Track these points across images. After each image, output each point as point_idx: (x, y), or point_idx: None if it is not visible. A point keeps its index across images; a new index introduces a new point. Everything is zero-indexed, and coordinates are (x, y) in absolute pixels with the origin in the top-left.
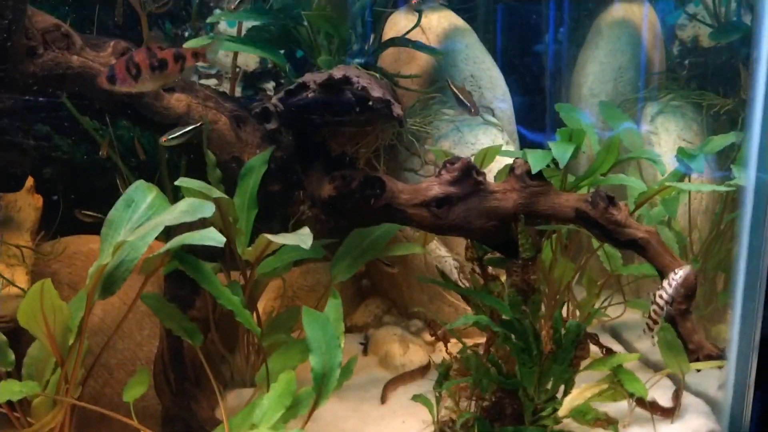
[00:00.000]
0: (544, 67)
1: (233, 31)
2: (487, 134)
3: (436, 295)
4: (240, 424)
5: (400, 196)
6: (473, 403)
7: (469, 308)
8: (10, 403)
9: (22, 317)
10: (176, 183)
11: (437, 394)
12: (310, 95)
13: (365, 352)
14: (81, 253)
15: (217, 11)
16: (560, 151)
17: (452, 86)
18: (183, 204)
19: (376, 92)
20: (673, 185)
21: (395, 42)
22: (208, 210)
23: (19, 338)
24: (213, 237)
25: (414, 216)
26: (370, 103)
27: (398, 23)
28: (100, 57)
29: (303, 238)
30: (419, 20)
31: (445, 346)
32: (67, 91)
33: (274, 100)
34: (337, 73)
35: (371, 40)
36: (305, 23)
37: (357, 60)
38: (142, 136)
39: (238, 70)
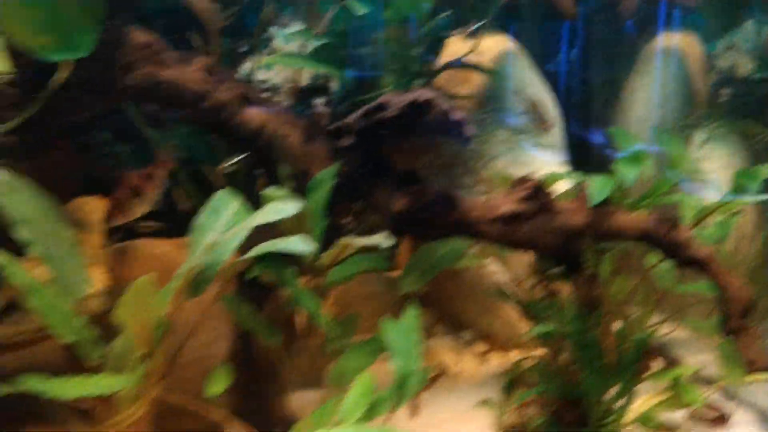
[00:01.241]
0: (591, 92)
1: (287, 48)
2: (540, 155)
3: (487, 308)
4: (318, 422)
5: (471, 211)
6: (534, 410)
7: (524, 321)
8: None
9: (122, 312)
10: (262, 192)
11: (502, 401)
12: (389, 114)
13: None
14: (148, 255)
15: (276, 28)
16: (626, 172)
17: (527, 102)
18: (269, 207)
19: (456, 115)
20: (734, 200)
21: (454, 64)
22: (293, 209)
23: None
24: (299, 245)
25: (485, 231)
26: (448, 124)
27: (452, 46)
28: (186, 72)
29: (384, 239)
30: (474, 44)
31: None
32: (157, 104)
33: (351, 118)
34: (422, 95)
35: (431, 62)
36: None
37: (417, 81)
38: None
39: (293, 85)
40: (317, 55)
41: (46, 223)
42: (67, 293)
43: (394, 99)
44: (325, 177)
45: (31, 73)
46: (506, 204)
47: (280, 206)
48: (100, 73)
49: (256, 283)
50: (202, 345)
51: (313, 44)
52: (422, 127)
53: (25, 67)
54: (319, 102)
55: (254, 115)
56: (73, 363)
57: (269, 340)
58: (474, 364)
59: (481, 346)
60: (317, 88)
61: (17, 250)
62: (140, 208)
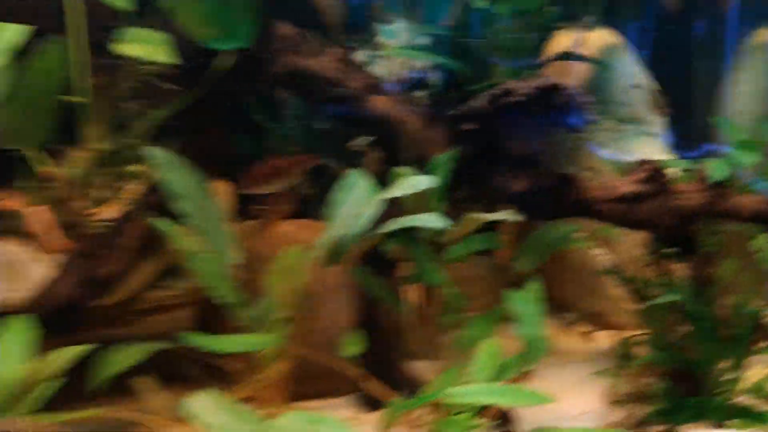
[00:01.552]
0: (692, 84)
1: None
2: (645, 143)
3: (592, 289)
4: (445, 383)
5: (592, 192)
6: (648, 379)
7: (628, 302)
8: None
9: (271, 278)
10: (393, 170)
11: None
12: (516, 99)
13: None
14: (274, 233)
15: (382, 25)
16: (744, 157)
17: (644, 89)
18: (404, 181)
19: (581, 99)
20: None
21: (563, 56)
22: (430, 182)
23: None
24: (435, 220)
25: (605, 211)
26: (570, 109)
27: (559, 38)
28: (322, 62)
29: (513, 214)
30: (581, 37)
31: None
32: (296, 90)
33: (475, 103)
34: (548, 80)
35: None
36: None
37: (527, 71)
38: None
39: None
40: (432, 48)
41: (199, 198)
42: (217, 260)
43: (520, 84)
44: (444, 160)
45: (192, 63)
46: (626, 185)
47: (415, 180)
48: (252, 62)
49: (377, 257)
50: (330, 312)
51: (416, 39)
52: (546, 111)
53: (187, 58)
54: (421, 93)
55: (380, 102)
56: (202, 327)
57: (396, 309)
58: (579, 343)
59: (585, 326)
60: (420, 79)
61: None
62: (275, 186)
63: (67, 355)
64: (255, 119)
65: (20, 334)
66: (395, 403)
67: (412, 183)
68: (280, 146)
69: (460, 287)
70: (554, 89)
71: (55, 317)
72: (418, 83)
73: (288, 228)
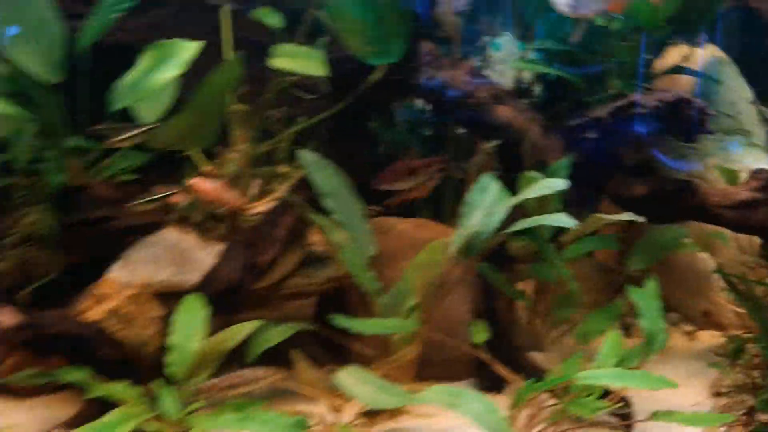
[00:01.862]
0: None
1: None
2: (750, 154)
3: (696, 291)
4: (569, 370)
5: (710, 197)
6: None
7: (731, 304)
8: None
9: (410, 269)
10: (525, 174)
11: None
12: (641, 111)
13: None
14: (394, 230)
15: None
16: None
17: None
18: (539, 183)
19: (709, 111)
20: None
21: (675, 70)
22: (562, 185)
23: (341, 297)
24: (564, 220)
25: (722, 216)
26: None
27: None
28: (456, 75)
29: (635, 216)
30: (689, 52)
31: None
32: (432, 100)
33: (598, 113)
34: (677, 94)
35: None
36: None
37: (638, 84)
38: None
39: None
40: (546, 60)
41: (342, 195)
42: (360, 252)
43: (646, 97)
44: (562, 166)
45: (343, 76)
46: (743, 192)
47: (550, 183)
48: (398, 74)
49: (500, 254)
50: (452, 303)
51: (522, 52)
52: (670, 122)
53: (339, 71)
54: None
55: (503, 111)
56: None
57: (520, 301)
58: (683, 341)
59: (689, 326)
60: (524, 90)
61: None
62: (409, 183)
63: (242, 330)
64: (387, 126)
65: (195, 311)
66: (525, 385)
67: (547, 185)
68: (407, 150)
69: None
70: (681, 103)
71: (219, 298)
72: (523, 93)
73: (406, 226)
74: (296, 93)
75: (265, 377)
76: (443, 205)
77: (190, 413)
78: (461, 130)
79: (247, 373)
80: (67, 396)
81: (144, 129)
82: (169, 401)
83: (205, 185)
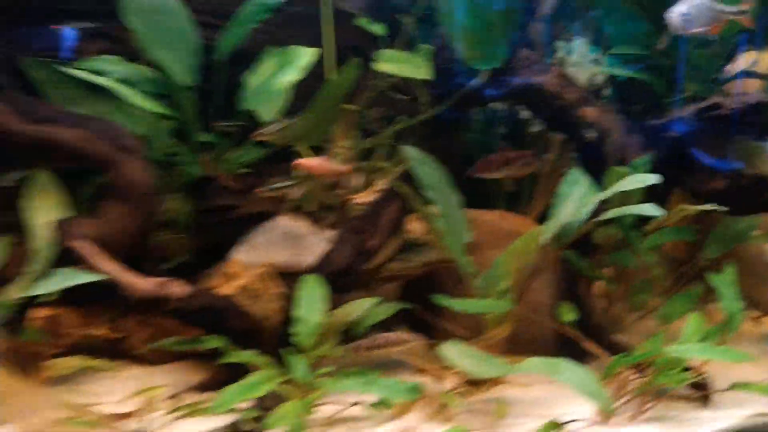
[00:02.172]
0: None
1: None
2: None
3: (762, 280)
4: (654, 346)
5: None
6: None
7: None
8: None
9: (505, 255)
10: (613, 169)
11: None
12: (722, 113)
13: None
14: (480, 221)
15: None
16: None
17: None
18: (631, 178)
19: None
20: None
21: (745, 74)
22: (654, 179)
23: (432, 281)
24: (651, 209)
25: None
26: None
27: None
28: (547, 78)
29: (717, 206)
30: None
31: None
32: (525, 102)
33: (680, 114)
34: (755, 97)
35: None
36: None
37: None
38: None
39: None
40: (623, 64)
41: (442, 187)
42: (458, 239)
43: (727, 100)
44: (644, 162)
45: (446, 80)
46: None
47: (642, 177)
48: (498, 77)
49: (585, 242)
50: (537, 287)
51: (595, 55)
52: (748, 123)
53: (443, 74)
54: None
55: (589, 112)
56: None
57: (606, 283)
58: (750, 326)
59: (755, 313)
60: (597, 91)
61: None
62: (504, 173)
63: (362, 305)
64: (480, 124)
65: (315, 289)
66: (615, 359)
67: (639, 179)
68: (496, 145)
69: (643, 273)
70: (760, 105)
71: (333, 279)
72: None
73: (490, 217)
74: (392, 94)
75: (408, 341)
76: (520, 197)
77: (317, 377)
78: (539, 128)
79: (392, 336)
80: (191, 364)
81: (282, 126)
82: (299, 367)
83: (310, 162)
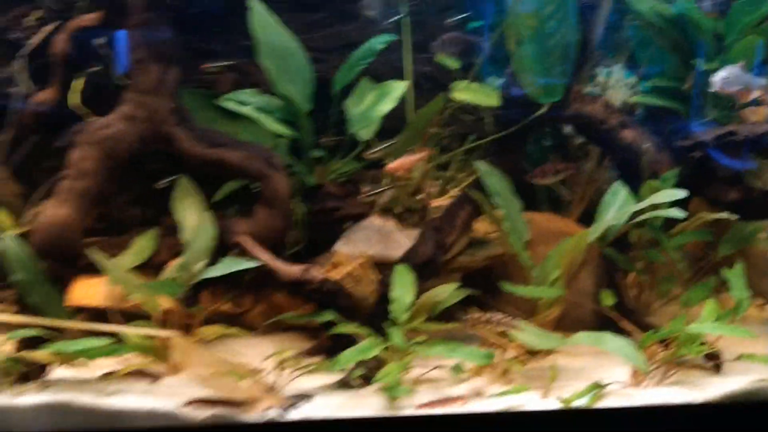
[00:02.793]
0: None
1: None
2: None
3: (765, 274)
4: (676, 326)
5: None
6: None
7: None
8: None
9: (564, 249)
10: (648, 182)
11: None
12: (738, 138)
13: None
14: (531, 221)
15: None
16: None
17: None
18: (663, 192)
19: None
20: None
21: (756, 102)
22: (681, 194)
23: (488, 276)
24: (677, 213)
25: None
26: None
27: None
28: (594, 107)
29: (731, 215)
30: None
31: None
32: (576, 127)
33: (703, 138)
34: (764, 127)
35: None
36: None
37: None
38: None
39: None
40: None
41: (507, 194)
42: (520, 237)
43: (741, 128)
44: (670, 176)
45: (512, 109)
46: None
47: (671, 192)
48: (556, 109)
49: (622, 241)
50: (581, 276)
51: (629, 80)
52: (759, 148)
53: (509, 105)
54: None
55: (628, 134)
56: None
57: (639, 274)
58: (756, 312)
59: (760, 301)
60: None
61: None
62: (554, 179)
63: (447, 289)
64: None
65: (406, 276)
66: (647, 334)
67: (669, 194)
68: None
69: (668, 267)
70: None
71: (418, 269)
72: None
73: (540, 218)
74: (461, 115)
75: (510, 323)
76: (562, 201)
77: (412, 345)
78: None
79: (499, 315)
80: (296, 334)
81: (388, 145)
82: (397, 336)
83: (395, 164)
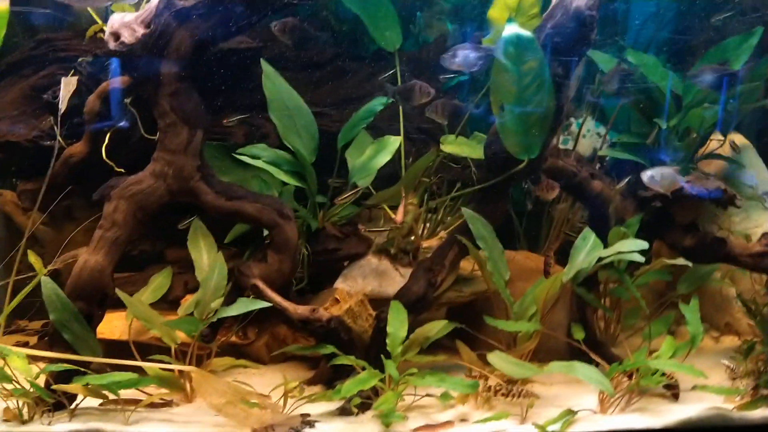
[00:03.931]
0: None
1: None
2: (765, 215)
3: (720, 308)
4: (638, 359)
5: (735, 248)
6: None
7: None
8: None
9: (538, 288)
10: (615, 228)
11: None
12: (690, 194)
13: None
14: (511, 260)
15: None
16: None
17: None
18: (629, 241)
19: (738, 197)
20: None
21: (712, 155)
22: (643, 245)
23: (472, 309)
24: (638, 257)
25: (743, 260)
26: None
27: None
28: (567, 161)
29: (686, 261)
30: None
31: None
32: (553, 179)
33: (664, 190)
34: (718, 184)
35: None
36: None
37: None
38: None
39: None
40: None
41: (490, 238)
42: (501, 276)
43: (695, 183)
44: (634, 222)
45: (494, 164)
46: (757, 246)
47: (635, 243)
48: (534, 163)
49: (590, 279)
50: (554, 312)
51: (597, 129)
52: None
53: (492, 159)
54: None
55: (596, 185)
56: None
57: (606, 312)
58: (711, 343)
59: (714, 333)
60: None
61: None
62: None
63: (438, 325)
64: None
65: (400, 313)
66: (612, 366)
67: (633, 244)
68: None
69: (632, 303)
70: (718, 191)
71: (410, 305)
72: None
73: (519, 257)
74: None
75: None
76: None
77: (405, 376)
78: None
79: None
80: (295, 364)
81: (353, 192)
82: (392, 368)
83: (398, 216)
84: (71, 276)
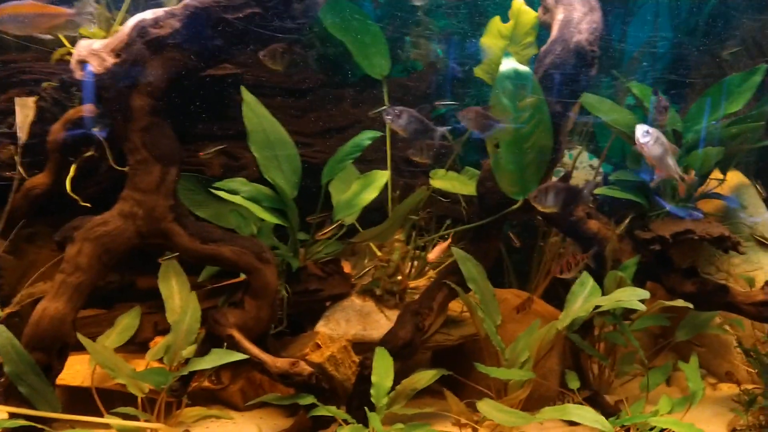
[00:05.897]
0: None
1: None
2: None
3: (719, 355)
4: (636, 412)
5: (737, 297)
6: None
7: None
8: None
9: (532, 335)
10: (612, 273)
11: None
12: (694, 237)
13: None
14: (503, 300)
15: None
16: None
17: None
18: (629, 290)
19: (737, 240)
20: None
21: (712, 195)
22: (644, 295)
23: (460, 353)
24: (638, 304)
25: (745, 310)
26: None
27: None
28: None
29: (687, 303)
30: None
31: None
32: (547, 219)
33: (662, 232)
34: (717, 227)
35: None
36: None
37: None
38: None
39: None
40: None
41: (481, 280)
42: (492, 320)
43: (697, 226)
44: (631, 264)
45: (487, 202)
46: (759, 295)
47: (635, 292)
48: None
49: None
50: (546, 360)
51: (591, 161)
52: (713, 243)
53: (485, 197)
54: None
55: (593, 224)
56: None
57: (601, 360)
58: (709, 391)
59: (713, 380)
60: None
61: None
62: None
63: (427, 375)
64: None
65: (385, 360)
66: (609, 420)
67: (633, 294)
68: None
69: (628, 348)
70: (722, 235)
71: (396, 351)
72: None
73: (510, 296)
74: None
75: None
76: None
77: (390, 430)
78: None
79: None
80: (272, 411)
81: (334, 226)
82: (376, 422)
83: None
84: (29, 324)
